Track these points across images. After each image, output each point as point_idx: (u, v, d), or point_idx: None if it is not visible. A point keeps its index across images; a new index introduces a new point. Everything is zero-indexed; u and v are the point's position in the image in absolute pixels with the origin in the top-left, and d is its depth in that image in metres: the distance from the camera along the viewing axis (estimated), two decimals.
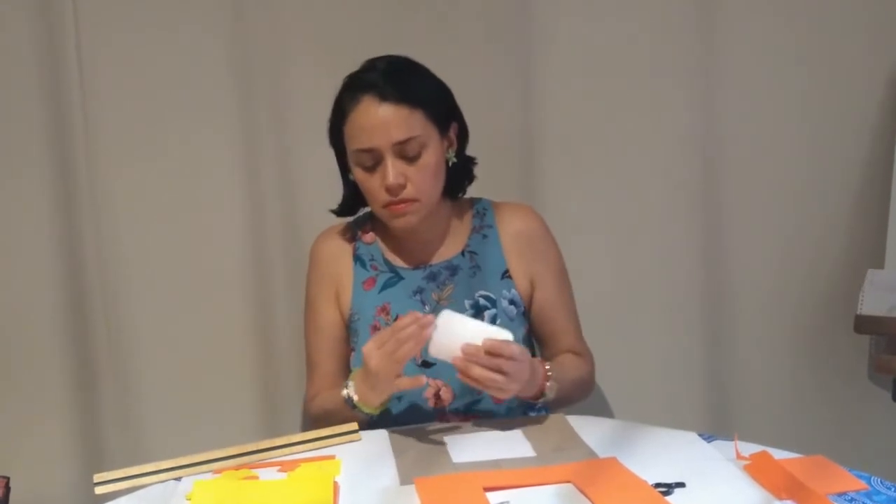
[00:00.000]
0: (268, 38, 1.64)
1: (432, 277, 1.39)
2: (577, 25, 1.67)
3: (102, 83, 1.61)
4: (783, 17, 1.66)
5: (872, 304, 1.61)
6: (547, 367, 1.29)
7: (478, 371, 1.16)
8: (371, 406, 1.25)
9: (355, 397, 1.26)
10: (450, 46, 1.62)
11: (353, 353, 1.40)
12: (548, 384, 1.27)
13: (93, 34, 1.59)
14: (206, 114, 1.65)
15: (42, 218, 1.63)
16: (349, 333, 1.41)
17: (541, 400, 1.29)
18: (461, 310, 1.35)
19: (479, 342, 1.16)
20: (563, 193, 1.70)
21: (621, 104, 1.69)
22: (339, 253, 1.43)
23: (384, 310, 1.38)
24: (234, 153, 1.66)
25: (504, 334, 1.18)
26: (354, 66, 1.35)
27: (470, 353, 1.16)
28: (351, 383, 1.27)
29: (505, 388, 1.18)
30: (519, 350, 1.19)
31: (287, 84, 1.66)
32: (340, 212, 1.45)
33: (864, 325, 1.63)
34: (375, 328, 1.37)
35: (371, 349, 1.20)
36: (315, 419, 1.39)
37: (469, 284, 1.39)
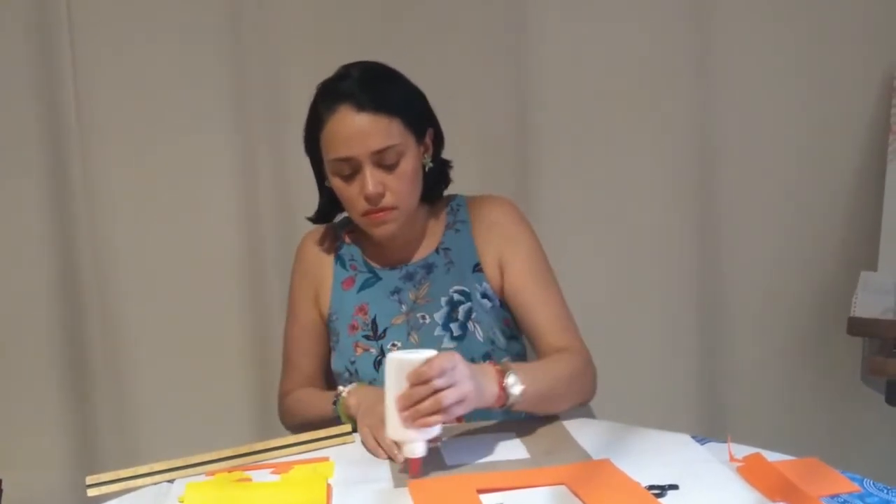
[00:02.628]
0: (264, 38, 1.64)
1: (409, 277, 1.39)
2: (574, 25, 1.67)
3: (97, 82, 1.61)
4: (780, 17, 1.66)
5: (866, 306, 1.62)
6: (497, 365, 1.16)
7: (423, 406, 1.04)
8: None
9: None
10: (447, 46, 1.62)
11: (333, 353, 1.40)
12: (507, 380, 1.13)
13: (87, 34, 1.59)
14: (201, 114, 1.65)
15: (36, 219, 1.63)
16: (329, 333, 1.42)
17: (509, 401, 1.14)
18: (437, 308, 1.35)
19: (403, 377, 1.05)
20: (560, 194, 1.70)
21: (618, 104, 1.69)
22: (323, 253, 1.44)
23: (362, 310, 1.38)
24: (230, 153, 1.66)
25: (424, 354, 1.06)
26: None
27: (405, 398, 1.05)
28: (351, 425, 1.24)
29: (460, 398, 1.05)
30: (441, 361, 1.05)
31: (283, 84, 1.66)
32: (317, 219, 1.44)
33: (857, 327, 1.64)
34: (353, 328, 1.38)
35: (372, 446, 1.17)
36: (289, 415, 1.41)
37: (444, 281, 1.38)
